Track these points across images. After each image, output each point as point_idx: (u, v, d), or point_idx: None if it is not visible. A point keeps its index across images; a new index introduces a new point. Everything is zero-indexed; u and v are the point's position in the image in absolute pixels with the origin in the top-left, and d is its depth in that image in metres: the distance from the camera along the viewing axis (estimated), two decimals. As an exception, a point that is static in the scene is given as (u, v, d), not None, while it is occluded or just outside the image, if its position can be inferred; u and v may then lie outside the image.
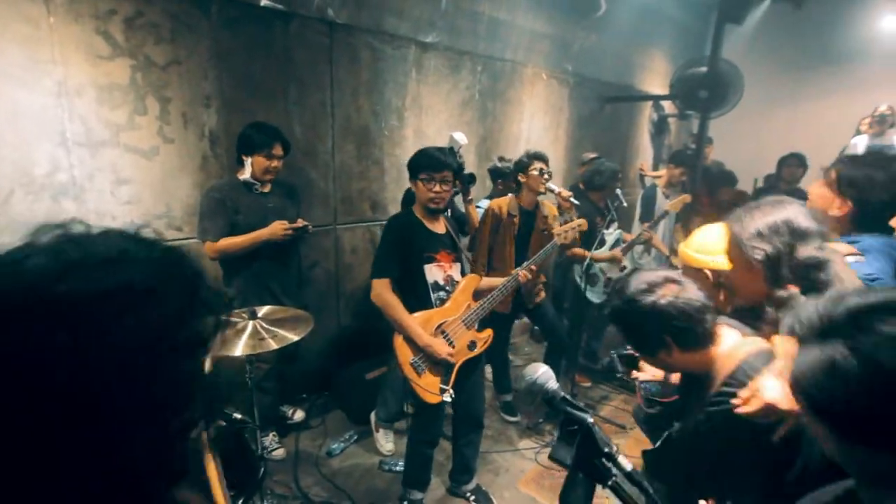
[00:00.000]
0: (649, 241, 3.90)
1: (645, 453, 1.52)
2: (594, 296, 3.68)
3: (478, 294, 2.37)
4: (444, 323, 2.25)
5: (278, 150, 2.54)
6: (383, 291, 2.19)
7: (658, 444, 1.45)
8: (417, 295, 2.24)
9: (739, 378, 1.15)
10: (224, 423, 1.72)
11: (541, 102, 4.89)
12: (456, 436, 2.59)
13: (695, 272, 1.66)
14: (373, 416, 3.12)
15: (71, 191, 2.33)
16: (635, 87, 6.30)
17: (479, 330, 2.38)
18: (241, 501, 1.74)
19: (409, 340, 2.18)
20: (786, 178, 4.30)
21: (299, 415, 3.17)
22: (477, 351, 2.35)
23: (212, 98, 2.68)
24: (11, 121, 2.14)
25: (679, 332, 1.22)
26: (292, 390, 3.05)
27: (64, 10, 2.19)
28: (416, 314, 2.19)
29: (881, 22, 6.23)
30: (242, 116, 2.76)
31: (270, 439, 2.90)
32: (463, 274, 2.38)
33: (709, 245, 1.66)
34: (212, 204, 2.47)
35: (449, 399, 2.23)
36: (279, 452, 2.88)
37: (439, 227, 2.33)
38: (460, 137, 3.07)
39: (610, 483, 0.91)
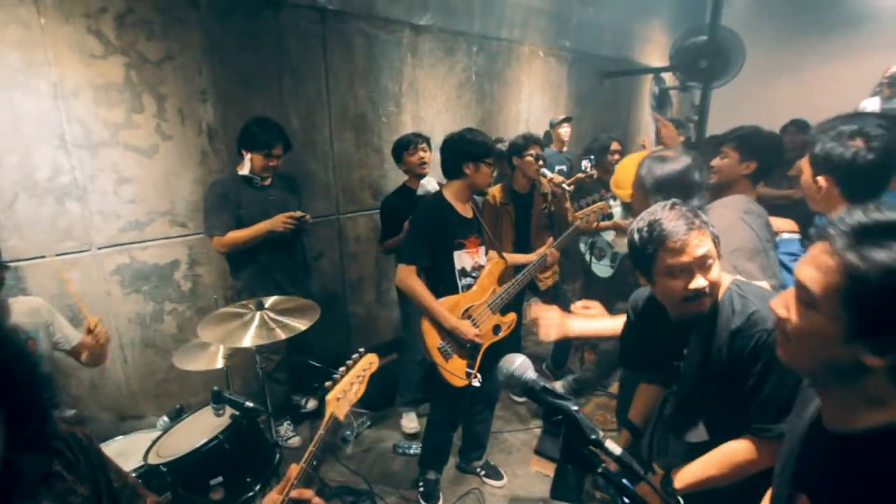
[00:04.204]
0: None
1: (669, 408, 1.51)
2: (602, 270, 3.67)
3: (503, 278, 2.39)
4: (470, 307, 2.26)
5: (278, 150, 2.54)
6: (408, 277, 2.18)
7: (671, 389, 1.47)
8: (445, 281, 2.24)
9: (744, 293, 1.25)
10: (237, 413, 1.76)
11: (539, 81, 4.83)
12: (470, 413, 2.61)
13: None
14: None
15: (74, 192, 2.35)
16: (635, 60, 6.20)
17: (503, 314, 2.38)
18: (258, 487, 1.79)
19: (437, 325, 2.19)
20: (787, 146, 4.23)
21: (312, 403, 3.21)
22: (501, 334, 2.36)
23: (207, 92, 2.67)
24: (11, 125, 2.16)
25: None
26: (305, 380, 3.09)
27: (54, 11, 2.18)
28: (444, 299, 2.20)
29: (886, -19, 6.06)
30: (239, 110, 2.76)
31: (286, 428, 2.96)
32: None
33: (619, 179, 2.06)
34: (215, 199, 2.49)
35: (477, 384, 2.24)
36: (294, 441, 2.93)
37: (468, 211, 2.33)
38: (432, 186, 2.97)
39: (600, 471, 0.88)
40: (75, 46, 2.26)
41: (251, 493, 1.80)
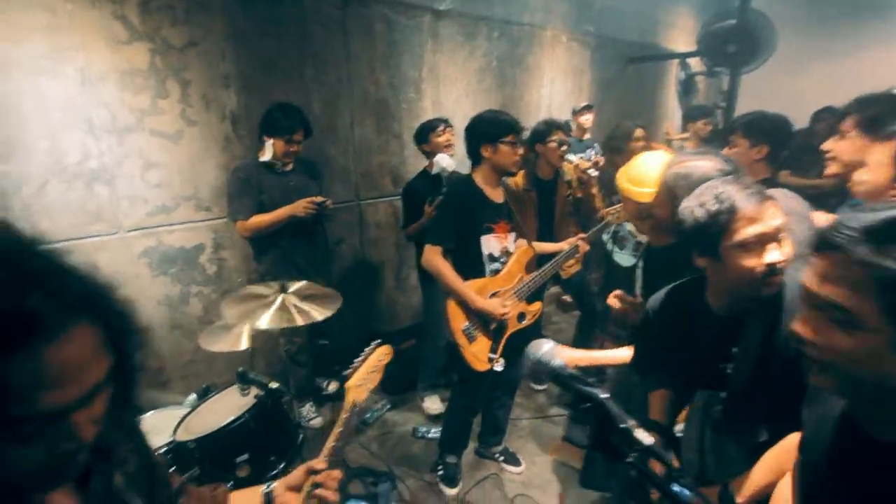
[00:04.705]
0: None
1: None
2: (623, 259, 3.62)
3: (530, 266, 2.36)
4: (497, 292, 2.24)
5: (299, 136, 2.55)
6: (434, 258, 2.16)
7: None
8: (472, 265, 2.22)
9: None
10: (262, 393, 1.79)
11: (561, 66, 4.74)
12: (490, 398, 2.61)
13: (625, 200, 1.78)
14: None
15: (102, 177, 2.40)
16: (660, 45, 6.05)
17: (529, 302, 2.36)
18: (282, 465, 1.82)
19: (463, 306, 2.17)
20: (821, 133, 4.09)
21: (333, 386, 3.26)
22: (525, 323, 2.34)
23: (230, 78, 2.69)
24: (40, 110, 2.20)
25: None
26: (326, 362, 3.13)
27: (81, -3, 2.21)
28: (471, 281, 2.18)
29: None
30: (262, 96, 2.77)
31: (308, 409, 3.01)
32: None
33: (639, 176, 1.73)
34: (238, 184, 2.52)
35: (500, 368, 2.23)
36: (316, 422, 2.98)
37: (499, 195, 2.28)
38: (447, 163, 2.92)
39: (629, 460, 0.84)
40: (101, 32, 2.29)
41: (275, 472, 1.84)
